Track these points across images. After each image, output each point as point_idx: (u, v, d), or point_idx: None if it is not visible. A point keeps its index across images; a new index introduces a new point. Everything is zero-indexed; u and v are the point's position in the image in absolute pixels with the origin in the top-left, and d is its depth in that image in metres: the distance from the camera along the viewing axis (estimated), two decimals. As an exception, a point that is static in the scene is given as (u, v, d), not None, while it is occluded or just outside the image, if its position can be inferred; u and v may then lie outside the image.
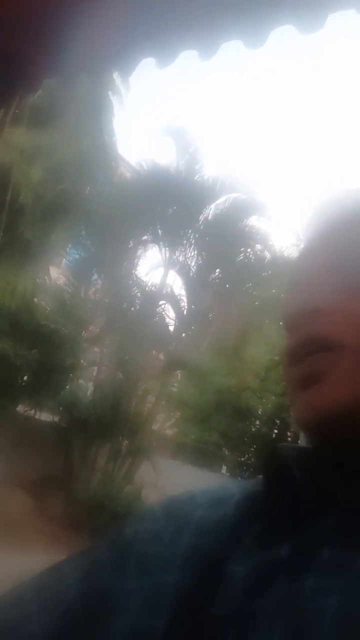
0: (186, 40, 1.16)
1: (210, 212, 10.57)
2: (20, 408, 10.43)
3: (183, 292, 10.89)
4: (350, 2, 1.04)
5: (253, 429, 12.97)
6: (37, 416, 10.59)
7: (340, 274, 0.42)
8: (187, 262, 10.72)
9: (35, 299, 9.93)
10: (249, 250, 10.91)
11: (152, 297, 10.46)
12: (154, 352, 10.90)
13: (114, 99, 10.76)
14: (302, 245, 0.49)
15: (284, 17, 1.08)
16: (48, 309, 10.03)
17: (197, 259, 10.67)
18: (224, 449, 13.32)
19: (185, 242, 10.61)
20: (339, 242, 0.44)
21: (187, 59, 1.19)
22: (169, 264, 10.79)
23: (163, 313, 10.89)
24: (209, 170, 10.77)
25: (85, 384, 11.01)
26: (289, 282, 0.47)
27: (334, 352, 0.40)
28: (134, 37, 1.19)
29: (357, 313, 0.40)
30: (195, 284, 10.55)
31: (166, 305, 10.88)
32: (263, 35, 1.10)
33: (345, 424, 0.39)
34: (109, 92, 10.51)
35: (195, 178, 10.56)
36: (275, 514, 0.41)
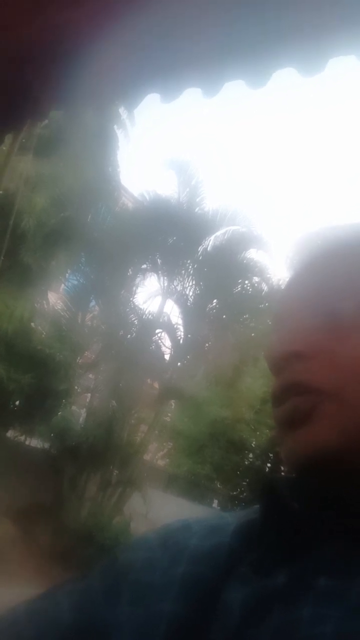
0: (191, 78, 1.20)
1: (210, 243, 10.71)
2: (10, 433, 10.28)
3: (180, 321, 10.92)
4: (350, 48, 1.08)
5: (246, 462, 12.78)
6: (27, 442, 10.42)
7: (322, 313, 0.43)
8: (185, 291, 10.78)
9: (33, 324, 9.92)
10: (246, 282, 11.00)
11: (148, 325, 10.47)
12: (148, 380, 10.83)
13: (119, 132, 11.03)
14: (285, 283, 0.49)
15: (285, 59, 1.12)
16: (44, 333, 10.01)
17: (195, 288, 10.73)
18: (216, 482, 13.10)
19: (183, 272, 10.70)
20: (321, 279, 0.44)
21: (192, 96, 1.24)
22: (167, 292, 10.84)
23: (159, 341, 10.89)
24: (210, 203, 10.97)
25: (78, 411, 10.89)
26: (273, 321, 0.47)
27: (316, 395, 0.40)
28: (140, 73, 1.23)
29: (338, 357, 0.41)
30: (193, 313, 10.58)
31: (163, 333, 10.89)
32: (265, 76, 1.14)
33: (331, 467, 0.39)
34: (115, 125, 10.77)
35: (196, 210, 10.73)
36: (271, 542, 0.41)
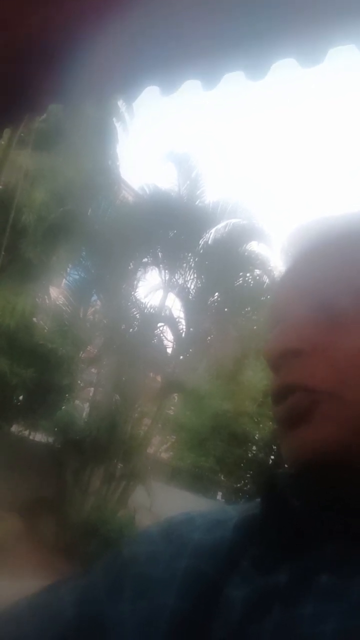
0: (189, 70, 1.19)
1: (211, 236, 10.68)
2: (14, 428, 10.32)
3: (182, 315, 10.92)
4: (350, 38, 1.07)
5: (249, 455, 12.83)
6: (31, 437, 10.47)
7: (319, 307, 0.42)
8: (187, 285, 10.77)
9: (34, 319, 9.93)
10: (248, 274, 10.98)
11: (150, 319, 10.47)
12: (151, 374, 10.85)
13: (118, 125, 10.97)
14: (280, 276, 0.48)
15: (285, 50, 1.11)
16: (46, 328, 10.03)
17: (197, 282, 10.72)
18: (219, 474, 13.15)
19: (185, 265, 10.68)
20: (316, 271, 0.43)
21: (191, 88, 1.23)
22: (169, 286, 10.83)
23: (161, 335, 10.89)
24: (210, 195, 10.93)
25: (82, 405, 10.93)
26: (269, 315, 0.46)
27: (316, 393, 0.40)
28: (138, 65, 1.22)
29: (337, 353, 0.40)
30: (194, 306, 10.57)
31: (165, 327, 10.89)
32: (265, 67, 1.13)
33: (332, 465, 0.39)
34: (114, 118, 10.72)
35: (197, 203, 10.69)
36: (273, 539, 0.41)
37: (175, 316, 10.92)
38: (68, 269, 11.58)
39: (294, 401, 0.40)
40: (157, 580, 0.42)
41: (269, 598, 0.38)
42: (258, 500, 0.45)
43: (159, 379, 10.83)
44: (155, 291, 11.15)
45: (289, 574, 0.38)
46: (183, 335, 10.65)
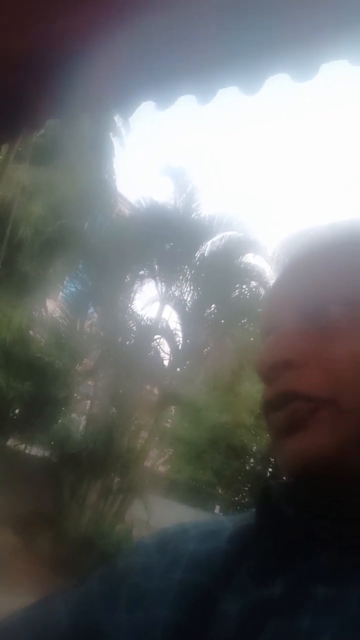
0: (184, 86, 1.21)
1: (207, 248, 10.73)
2: (10, 442, 10.25)
3: (178, 327, 10.92)
4: (343, 53, 1.09)
5: (247, 467, 12.76)
6: (27, 451, 10.39)
7: (309, 317, 0.42)
8: (183, 297, 10.79)
9: (31, 332, 9.91)
10: (244, 286, 11.01)
11: (147, 331, 10.46)
12: (148, 386, 10.82)
13: (114, 139, 11.07)
14: (271, 286, 0.48)
15: (278, 65, 1.13)
16: (43, 341, 10.00)
17: (193, 294, 10.75)
18: (217, 487, 13.06)
19: (181, 277, 10.72)
20: (306, 281, 0.44)
21: (186, 103, 1.25)
22: (165, 298, 10.85)
23: (158, 347, 10.88)
24: (206, 208, 11.02)
25: (78, 418, 10.87)
26: (261, 326, 0.46)
27: (314, 401, 0.40)
28: (134, 81, 1.24)
29: (330, 363, 0.40)
30: (191, 318, 10.59)
31: (161, 339, 10.88)
32: (259, 82, 1.15)
33: (327, 473, 0.39)
34: (110, 133, 10.82)
35: (192, 216, 10.76)
36: (268, 550, 0.41)
37: (172, 328, 10.93)
38: (65, 282, 11.58)
39: (293, 409, 0.40)
40: (153, 591, 0.42)
41: (265, 609, 0.37)
42: (253, 510, 0.45)
43: (155, 391, 10.79)
44: (152, 303, 11.18)
45: (285, 584, 0.38)
46: (180, 347, 10.64)
